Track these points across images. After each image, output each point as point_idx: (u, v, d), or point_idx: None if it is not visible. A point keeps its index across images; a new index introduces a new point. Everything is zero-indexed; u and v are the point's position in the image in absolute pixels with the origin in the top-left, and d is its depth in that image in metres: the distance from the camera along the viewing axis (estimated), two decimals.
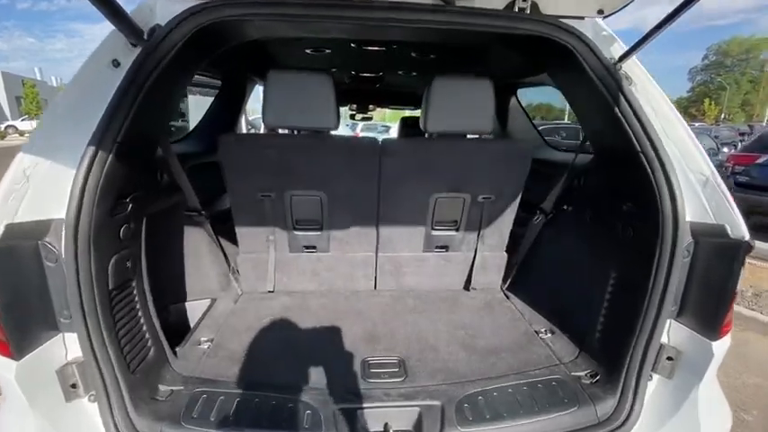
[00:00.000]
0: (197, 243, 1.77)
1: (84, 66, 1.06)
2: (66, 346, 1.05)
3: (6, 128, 26.07)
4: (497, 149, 1.76)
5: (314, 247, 1.90)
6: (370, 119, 5.10)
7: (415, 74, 2.75)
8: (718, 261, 1.09)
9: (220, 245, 1.86)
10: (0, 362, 0.94)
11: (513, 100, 2.61)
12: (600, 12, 1.21)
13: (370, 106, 4.44)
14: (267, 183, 1.70)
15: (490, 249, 1.97)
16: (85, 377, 1.04)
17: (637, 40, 1.14)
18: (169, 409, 1.14)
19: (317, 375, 1.33)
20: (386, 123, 16.83)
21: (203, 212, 1.70)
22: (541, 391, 1.26)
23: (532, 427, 1.15)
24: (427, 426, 1.14)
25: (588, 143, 1.63)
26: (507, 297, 1.98)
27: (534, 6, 1.18)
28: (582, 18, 1.23)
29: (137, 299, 1.24)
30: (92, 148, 0.98)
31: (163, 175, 1.51)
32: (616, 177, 1.41)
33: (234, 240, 1.87)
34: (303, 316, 1.74)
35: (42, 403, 0.99)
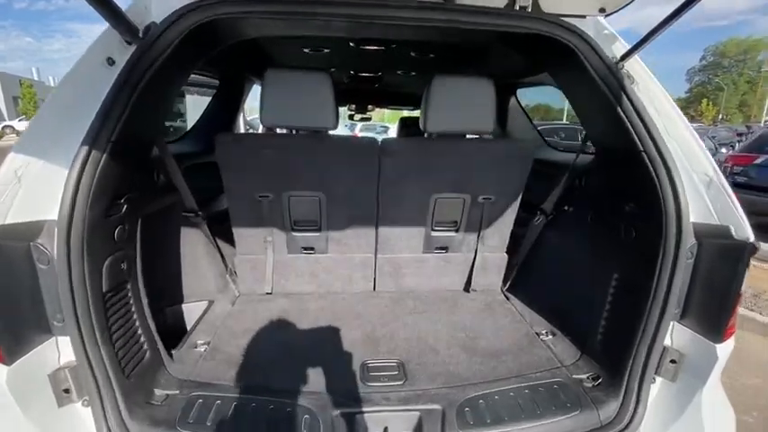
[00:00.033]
0: (194, 244, 1.75)
1: (77, 64, 1.04)
2: (59, 350, 1.03)
3: (4, 128, 25.96)
4: (498, 149, 1.74)
5: (312, 249, 1.88)
6: (368, 119, 5.09)
7: (414, 74, 2.73)
8: (723, 263, 1.08)
9: (218, 246, 1.84)
10: None
11: (512, 100, 2.60)
12: (601, 10, 1.20)
13: (369, 106, 4.42)
14: (265, 183, 1.68)
15: (490, 250, 1.95)
16: (78, 382, 1.02)
17: (639, 39, 1.12)
18: (165, 414, 1.11)
19: (315, 379, 1.31)
20: (384, 124, 16.84)
21: (200, 213, 1.68)
22: (543, 395, 1.25)
23: None
24: (428, 430, 1.12)
25: (589, 143, 1.61)
26: (507, 298, 1.97)
27: (535, 4, 1.17)
28: (583, 17, 1.21)
29: (132, 301, 1.22)
30: (85, 148, 0.96)
31: (159, 176, 1.49)
32: (618, 177, 1.39)
33: (231, 241, 1.85)
34: (301, 318, 1.72)
35: (34, 409, 0.97)
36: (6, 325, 0.90)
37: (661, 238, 1.13)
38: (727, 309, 1.08)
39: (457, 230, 1.89)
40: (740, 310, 3.43)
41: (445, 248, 1.95)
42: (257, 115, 1.62)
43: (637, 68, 1.21)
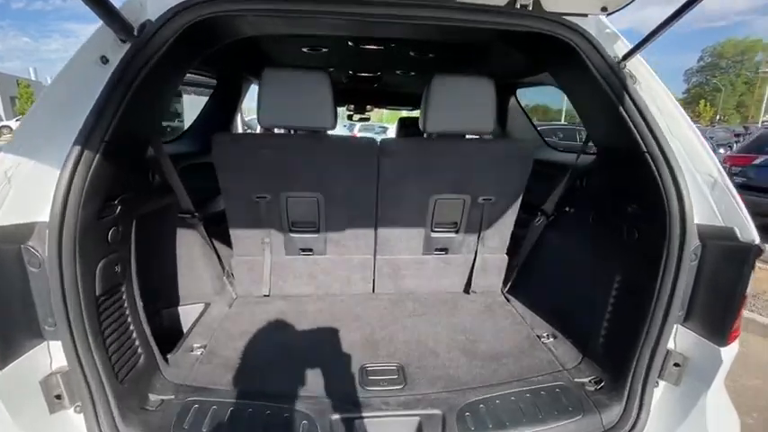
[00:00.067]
0: (190, 246, 1.72)
1: (70, 62, 1.02)
2: (51, 355, 1.01)
3: (1, 128, 25.83)
4: (498, 150, 1.72)
5: (310, 250, 1.85)
6: (367, 119, 5.07)
7: (413, 74, 2.71)
8: (727, 265, 1.06)
9: (214, 248, 1.81)
10: None
11: (512, 100, 2.59)
12: (603, 9, 1.18)
13: (368, 107, 4.40)
14: (262, 184, 1.66)
15: (491, 251, 1.94)
16: (71, 387, 1.00)
17: (642, 38, 1.11)
18: (159, 420, 1.09)
19: (313, 383, 1.28)
20: (383, 124, 16.83)
21: (197, 214, 1.65)
22: (544, 399, 1.23)
23: None
24: None
25: (590, 143, 1.60)
26: (508, 300, 1.95)
27: (536, 3, 1.15)
28: (585, 15, 1.20)
29: (126, 304, 1.20)
30: (77, 148, 0.94)
31: (154, 176, 1.47)
32: (620, 178, 1.38)
33: (228, 243, 1.83)
34: (299, 321, 1.69)
35: (25, 415, 0.94)
36: None
37: (665, 240, 1.11)
38: (731, 312, 1.07)
39: (457, 231, 1.87)
40: None
41: (445, 250, 1.93)
42: (255, 116, 1.60)
43: (639, 68, 1.19)
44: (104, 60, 1.01)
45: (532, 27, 1.16)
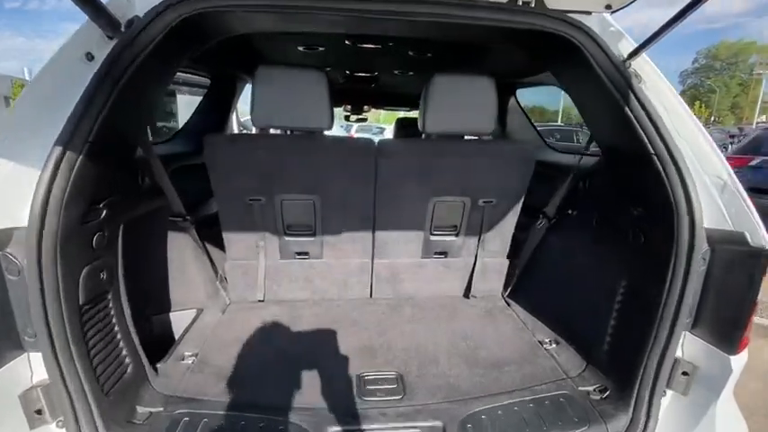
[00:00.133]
0: (182, 250, 1.67)
1: (53, 59, 0.97)
2: (32, 368, 0.96)
3: None
4: (499, 151, 1.69)
5: (306, 254, 1.81)
6: (364, 120, 5.02)
7: (411, 73, 2.67)
8: (737, 270, 1.03)
9: (207, 251, 1.76)
10: None
11: (512, 100, 2.55)
12: (608, 7, 1.14)
13: (365, 107, 4.36)
14: (256, 186, 1.61)
15: (491, 255, 1.90)
16: (52, 401, 0.95)
17: (648, 37, 1.08)
18: None
19: (309, 393, 1.24)
20: (380, 125, 16.80)
21: (188, 217, 1.60)
22: (548, 409, 1.19)
23: None
24: None
25: (593, 144, 1.56)
26: (508, 305, 1.91)
27: (539, 0, 1.11)
28: (589, 13, 1.16)
29: (113, 312, 1.15)
30: (59, 149, 0.89)
31: (144, 178, 1.41)
32: (625, 180, 1.34)
33: (221, 246, 1.78)
34: (295, 327, 1.65)
35: (4, 431, 0.90)
36: None
37: (673, 244, 1.07)
38: (741, 319, 1.03)
39: (457, 235, 1.83)
40: None
41: (444, 253, 1.88)
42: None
43: (645, 67, 1.16)
44: (90, 57, 0.96)
45: (534, 24, 1.12)
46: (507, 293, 1.98)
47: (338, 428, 1.10)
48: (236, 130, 3.48)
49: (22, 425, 0.93)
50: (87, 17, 0.91)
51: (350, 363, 1.40)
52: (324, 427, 1.09)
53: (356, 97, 3.91)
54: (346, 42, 1.89)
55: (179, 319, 1.67)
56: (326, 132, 1.60)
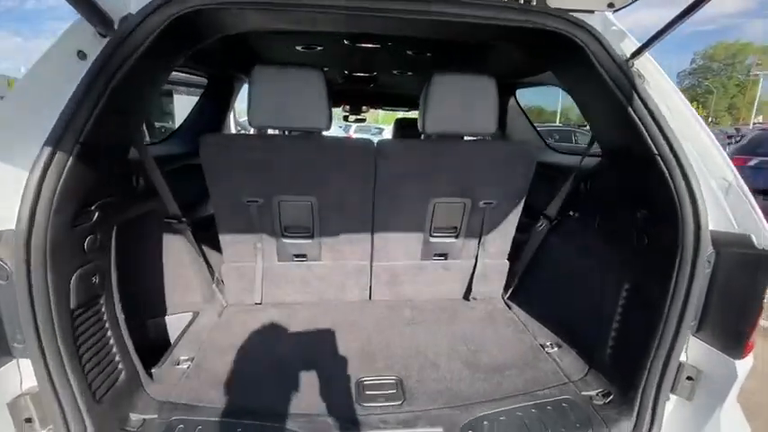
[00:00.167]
0: (177, 252, 1.64)
1: (44, 57, 0.94)
2: (22, 375, 0.93)
3: None
4: (500, 152, 1.66)
5: (304, 256, 1.78)
6: (363, 120, 5.00)
7: (410, 73, 2.65)
8: (743, 273, 1.01)
9: (203, 254, 1.73)
10: None
11: (511, 100, 2.53)
12: (610, 5, 1.13)
13: (364, 107, 4.33)
14: (253, 187, 1.58)
15: (491, 257, 1.88)
16: (42, 409, 0.92)
17: (651, 36, 1.06)
18: None
19: (307, 399, 1.21)
20: (379, 125, 16.79)
21: (184, 219, 1.57)
22: (551, 414, 1.17)
23: None
24: None
25: (595, 144, 1.54)
26: (509, 307, 1.89)
27: None
28: (591, 12, 1.14)
29: (105, 317, 1.12)
30: (48, 149, 0.86)
31: (138, 180, 1.39)
32: (629, 181, 1.32)
33: (218, 249, 1.75)
34: (292, 330, 1.62)
35: None
36: None
37: (677, 247, 1.06)
38: (747, 322, 1.02)
39: (457, 236, 1.81)
40: None
41: (444, 255, 1.86)
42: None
43: (648, 66, 1.14)
44: (82, 56, 0.94)
45: (536, 23, 1.10)
46: (508, 296, 1.96)
47: None
48: (233, 131, 3.45)
49: None
50: (79, 15, 0.89)
51: (349, 367, 1.38)
52: None
53: (355, 97, 3.89)
54: (345, 42, 1.87)
55: (175, 323, 1.64)
56: (325, 133, 1.58)
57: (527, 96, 2.57)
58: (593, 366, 1.36)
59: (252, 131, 2.09)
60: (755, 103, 38.23)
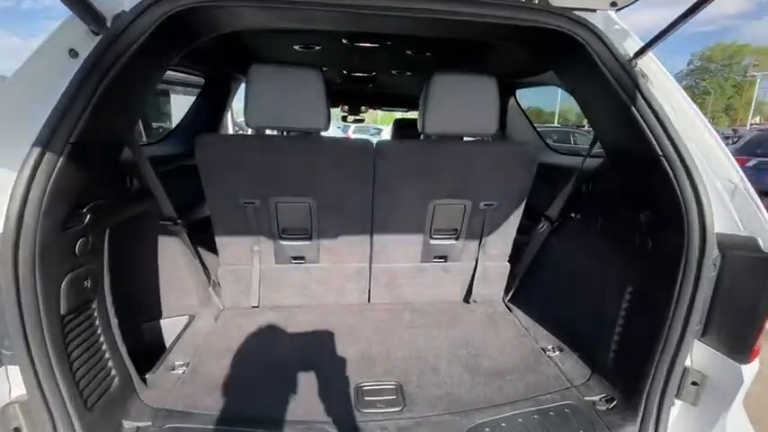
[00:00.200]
0: (173, 255, 1.61)
1: (33, 56, 0.92)
2: (10, 382, 0.90)
3: None
4: (501, 153, 1.64)
5: (302, 258, 1.75)
6: (362, 121, 4.97)
7: (409, 73, 2.63)
8: (750, 277, 0.99)
9: (200, 256, 1.70)
10: None
11: (511, 101, 2.51)
12: (613, 4, 1.10)
13: (363, 108, 4.31)
14: (250, 188, 1.55)
15: (492, 259, 1.85)
16: (31, 418, 0.89)
17: (655, 35, 1.04)
18: None
19: (305, 405, 1.19)
20: (378, 126, 16.77)
21: (180, 221, 1.54)
22: (553, 420, 1.15)
23: None
24: None
25: (597, 145, 1.53)
26: (510, 310, 1.87)
27: None
28: (593, 10, 1.12)
29: (98, 322, 1.09)
30: (37, 150, 0.84)
31: (132, 181, 1.36)
32: (632, 183, 1.30)
33: (215, 251, 1.72)
34: (290, 334, 1.60)
35: None
36: None
37: (682, 249, 1.04)
38: (754, 326, 1.00)
39: (457, 238, 1.79)
40: None
41: (444, 257, 1.84)
42: None
43: (651, 66, 1.12)
44: (73, 54, 0.91)
45: (538, 21, 1.08)
46: (509, 298, 1.94)
47: None
48: (231, 131, 3.42)
49: None
50: (71, 12, 0.87)
51: (347, 372, 1.35)
52: None
53: (353, 97, 3.87)
54: (343, 41, 1.85)
55: (170, 327, 1.61)
56: (323, 133, 1.55)
57: (525, 97, 2.55)
58: (596, 371, 1.34)
59: (250, 132, 2.06)
60: (752, 104, 38.39)
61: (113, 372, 1.12)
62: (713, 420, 1.06)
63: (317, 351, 1.49)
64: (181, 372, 1.32)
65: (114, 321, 1.16)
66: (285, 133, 1.75)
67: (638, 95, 1.09)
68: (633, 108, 1.10)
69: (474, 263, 1.85)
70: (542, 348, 1.52)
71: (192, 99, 2.47)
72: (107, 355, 1.11)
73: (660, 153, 1.07)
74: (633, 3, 1.13)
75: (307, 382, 1.29)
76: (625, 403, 1.17)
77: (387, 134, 10.84)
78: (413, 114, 4.44)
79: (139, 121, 3.27)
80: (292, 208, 1.62)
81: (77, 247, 1.00)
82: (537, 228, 1.80)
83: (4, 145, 0.84)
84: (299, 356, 1.45)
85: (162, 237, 1.57)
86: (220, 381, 1.29)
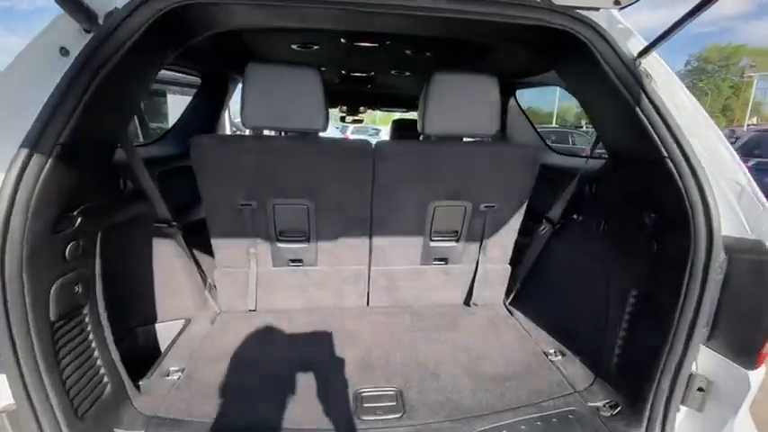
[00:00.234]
0: (168, 257, 1.58)
1: (23, 54, 0.89)
2: None
3: None
4: (502, 154, 1.62)
5: (300, 261, 1.73)
6: (360, 121, 4.95)
7: (408, 74, 2.60)
8: (757, 280, 0.97)
9: (195, 259, 1.67)
10: None
11: (511, 101, 2.49)
12: (616, 3, 1.08)
13: (361, 108, 4.29)
14: (247, 190, 1.53)
15: (493, 262, 1.83)
16: (19, 428, 0.86)
17: (659, 34, 1.02)
18: None
19: (303, 412, 1.16)
20: (376, 126, 16.74)
21: (175, 223, 1.52)
22: (557, 426, 1.13)
23: None
24: None
25: (599, 146, 1.50)
26: (511, 313, 1.84)
27: None
28: (597, 9, 1.10)
29: (89, 328, 1.06)
30: (25, 151, 0.81)
31: (126, 183, 1.33)
32: (636, 185, 1.28)
33: (211, 254, 1.69)
34: (288, 338, 1.57)
35: None
36: None
37: (688, 253, 1.02)
38: (761, 331, 0.98)
39: (457, 240, 1.76)
40: None
41: (444, 260, 1.82)
42: None
43: (655, 66, 1.10)
44: (64, 52, 0.89)
45: (540, 20, 1.06)
46: (510, 301, 1.92)
47: None
48: (228, 131, 3.39)
49: None
50: (62, 10, 0.84)
51: (346, 378, 1.33)
52: None
53: (352, 98, 3.84)
54: (342, 40, 1.82)
55: (166, 331, 1.58)
56: (321, 134, 1.53)
57: (523, 97, 2.53)
58: (600, 375, 1.32)
59: (248, 132, 2.03)
60: (749, 105, 38.54)
61: (105, 379, 1.09)
62: (719, 427, 1.04)
63: (315, 356, 1.46)
64: (176, 378, 1.29)
65: (107, 327, 1.13)
66: (283, 134, 1.73)
67: (643, 95, 1.07)
68: (637, 108, 1.08)
69: (474, 265, 1.83)
70: (544, 353, 1.50)
71: (188, 99, 2.44)
72: (99, 362, 1.08)
73: (665, 154, 1.05)
74: (636, 1, 1.11)
75: (305, 388, 1.26)
76: (629, 409, 1.15)
77: (385, 135, 10.81)
78: (411, 115, 4.42)
79: (136, 122, 3.25)
80: (290, 210, 1.60)
81: (68, 251, 0.97)
82: (538, 230, 1.78)
83: None
84: (296, 362, 1.42)
85: (156, 239, 1.54)
86: (216, 387, 1.26)
